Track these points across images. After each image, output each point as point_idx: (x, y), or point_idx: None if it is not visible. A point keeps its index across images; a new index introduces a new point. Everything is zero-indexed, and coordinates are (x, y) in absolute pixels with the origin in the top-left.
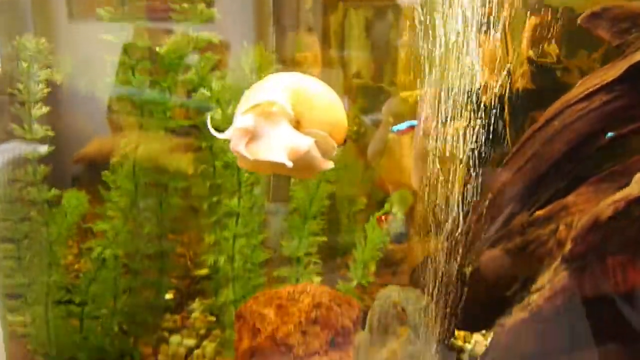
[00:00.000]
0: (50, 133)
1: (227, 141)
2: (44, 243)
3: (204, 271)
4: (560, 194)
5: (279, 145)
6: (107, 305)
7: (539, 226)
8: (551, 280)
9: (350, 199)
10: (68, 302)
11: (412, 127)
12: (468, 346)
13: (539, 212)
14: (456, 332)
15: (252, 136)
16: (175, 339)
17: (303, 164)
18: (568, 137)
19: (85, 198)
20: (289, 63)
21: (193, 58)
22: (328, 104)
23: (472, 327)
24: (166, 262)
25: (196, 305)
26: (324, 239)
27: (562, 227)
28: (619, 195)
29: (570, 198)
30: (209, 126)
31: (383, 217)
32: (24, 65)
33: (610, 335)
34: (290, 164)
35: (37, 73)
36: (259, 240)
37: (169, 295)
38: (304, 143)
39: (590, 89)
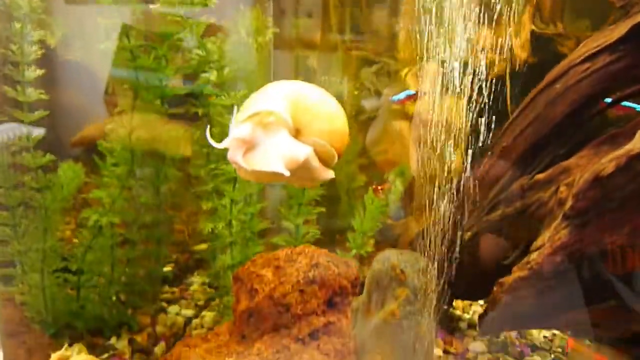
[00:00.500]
0: (44, 96)
1: (225, 108)
2: (39, 211)
3: (202, 246)
4: (560, 159)
5: (276, 155)
6: (103, 274)
7: (539, 189)
8: (551, 238)
9: (350, 175)
10: (64, 271)
11: (410, 97)
12: (466, 316)
13: (539, 176)
14: (455, 303)
15: (250, 146)
16: (173, 309)
17: (303, 173)
18: (571, 98)
19: (82, 170)
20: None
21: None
22: (328, 113)
23: (471, 296)
24: (163, 232)
25: (195, 278)
26: (322, 209)
27: (562, 188)
28: (620, 150)
29: (571, 160)
30: (208, 137)
31: (380, 188)
32: (17, 25)
33: (610, 294)
34: (287, 173)
35: (31, 33)
36: (257, 209)
37: (167, 268)
38: (302, 152)
39: (594, 50)
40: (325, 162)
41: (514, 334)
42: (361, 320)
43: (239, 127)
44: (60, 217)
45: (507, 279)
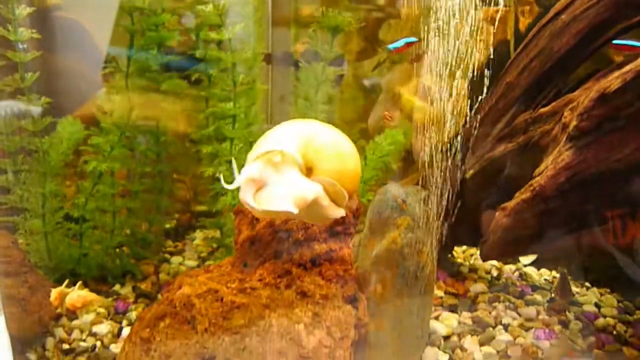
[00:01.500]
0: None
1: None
2: (38, 155)
3: (204, 207)
4: (565, 93)
5: (285, 194)
6: (105, 223)
7: (543, 122)
8: (555, 159)
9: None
10: (66, 219)
11: (408, 44)
12: (467, 263)
13: (543, 109)
14: (455, 254)
15: (260, 185)
16: (176, 259)
17: (313, 211)
18: (577, 28)
19: (81, 126)
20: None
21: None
22: (340, 154)
23: (472, 241)
24: (164, 183)
25: (198, 234)
26: None
27: (567, 112)
28: (627, 67)
29: (576, 93)
30: (222, 181)
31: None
32: None
33: (614, 214)
34: (296, 211)
35: None
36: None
37: (169, 224)
38: (311, 191)
39: None
40: (335, 201)
41: (514, 275)
42: (363, 252)
43: (250, 166)
44: (60, 165)
45: (509, 204)
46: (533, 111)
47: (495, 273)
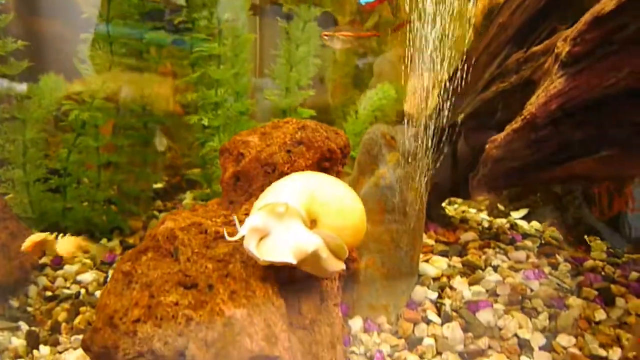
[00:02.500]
0: None
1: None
2: (18, 102)
3: (196, 170)
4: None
5: (285, 245)
6: (90, 177)
7: (536, 60)
8: (546, 87)
9: (343, 90)
10: (51, 172)
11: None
12: (458, 216)
13: (536, 47)
14: (447, 209)
15: (263, 234)
16: (165, 215)
17: (313, 262)
18: None
19: (63, 83)
20: None
21: None
22: (343, 210)
23: (463, 194)
24: (150, 135)
25: (187, 195)
26: (311, 92)
27: (560, 43)
28: None
29: (569, 29)
30: (226, 235)
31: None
32: None
33: (605, 143)
34: (294, 262)
35: None
36: (245, 87)
37: (159, 185)
38: (311, 244)
39: None
40: (336, 254)
41: (505, 224)
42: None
43: (254, 216)
44: (42, 114)
45: (499, 135)
46: (526, 51)
47: (486, 224)
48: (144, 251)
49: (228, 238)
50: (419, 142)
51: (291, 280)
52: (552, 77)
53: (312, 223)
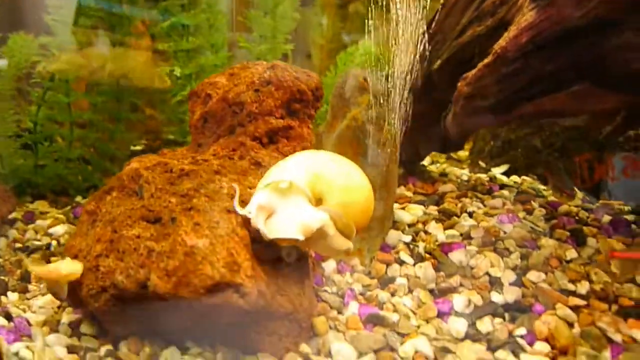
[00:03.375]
0: None
1: None
2: None
3: (172, 128)
4: None
5: (292, 222)
6: (62, 134)
7: (512, 3)
8: (518, 21)
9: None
10: (23, 130)
11: None
12: (437, 170)
13: None
14: (426, 165)
15: (270, 212)
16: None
17: (320, 240)
18: None
19: (35, 42)
20: None
21: None
22: (349, 187)
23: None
24: (126, 96)
25: None
26: (290, 46)
27: None
28: None
29: None
30: (235, 205)
31: None
32: None
33: (576, 77)
34: (302, 238)
35: None
36: (220, 40)
37: (138, 147)
38: (317, 220)
39: None
40: (343, 232)
41: (484, 176)
42: (326, 138)
43: (259, 194)
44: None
45: (470, 72)
46: None
47: (465, 178)
48: (108, 191)
49: (239, 211)
50: (392, 83)
51: None
52: (523, 11)
53: (318, 202)
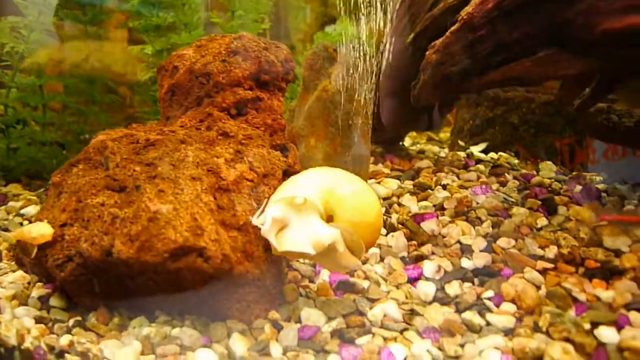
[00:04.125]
0: None
1: None
2: None
3: (146, 108)
4: None
5: (304, 237)
6: (34, 117)
7: None
8: None
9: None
10: None
11: None
12: (415, 148)
13: None
14: (407, 146)
15: (282, 225)
16: None
17: (329, 257)
18: None
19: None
20: None
21: None
22: (361, 206)
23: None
24: (97, 79)
25: None
26: (265, 25)
27: None
28: None
29: None
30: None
31: None
32: None
33: (542, 42)
34: (313, 253)
35: None
36: (195, 20)
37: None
38: (328, 236)
39: None
40: (352, 251)
41: (462, 154)
42: (298, 112)
43: (274, 207)
44: None
45: (439, 40)
46: None
47: (443, 154)
48: (74, 164)
49: (254, 222)
50: (362, 53)
51: (225, 186)
52: None
53: (329, 218)
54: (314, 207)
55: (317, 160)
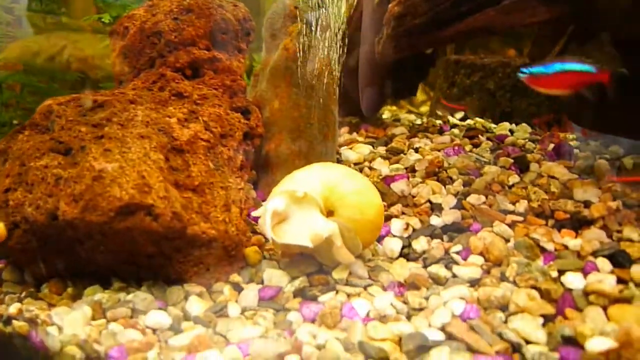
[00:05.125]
0: None
1: None
2: None
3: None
4: None
5: (303, 230)
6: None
7: None
8: None
9: None
10: None
11: None
12: (391, 116)
13: None
14: (385, 116)
15: (282, 218)
16: None
17: (325, 249)
18: None
19: None
20: None
21: None
22: (361, 203)
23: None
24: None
25: None
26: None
27: None
28: None
29: None
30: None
31: None
32: None
33: None
34: (311, 246)
35: None
36: None
37: None
38: (326, 229)
39: None
40: (350, 248)
41: (439, 121)
42: (262, 75)
43: (275, 199)
44: None
45: None
46: None
47: (419, 122)
48: (20, 130)
49: (254, 214)
50: (326, 11)
51: (179, 147)
52: None
53: (329, 214)
54: (314, 202)
55: (281, 124)
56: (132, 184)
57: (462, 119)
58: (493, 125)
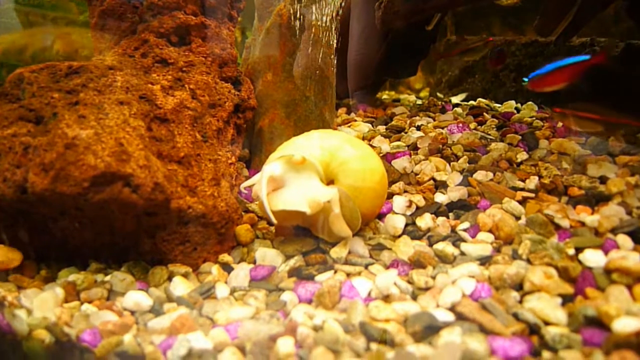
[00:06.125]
0: None
1: None
2: None
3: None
4: None
5: (301, 195)
6: None
7: None
8: None
9: None
10: None
11: None
12: (390, 97)
13: None
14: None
15: (278, 184)
16: None
17: (323, 219)
18: None
19: None
20: None
21: None
22: (363, 170)
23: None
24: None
25: None
26: None
27: None
28: None
29: None
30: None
31: None
32: None
33: None
34: (309, 212)
35: None
36: None
37: None
38: (325, 195)
39: None
40: (349, 220)
41: (440, 102)
42: (254, 45)
43: (272, 164)
44: None
45: None
46: None
47: (419, 102)
48: None
49: (245, 184)
50: None
51: (163, 115)
52: None
53: (330, 182)
54: (313, 168)
55: (275, 97)
56: (109, 151)
57: (465, 101)
58: (497, 105)
